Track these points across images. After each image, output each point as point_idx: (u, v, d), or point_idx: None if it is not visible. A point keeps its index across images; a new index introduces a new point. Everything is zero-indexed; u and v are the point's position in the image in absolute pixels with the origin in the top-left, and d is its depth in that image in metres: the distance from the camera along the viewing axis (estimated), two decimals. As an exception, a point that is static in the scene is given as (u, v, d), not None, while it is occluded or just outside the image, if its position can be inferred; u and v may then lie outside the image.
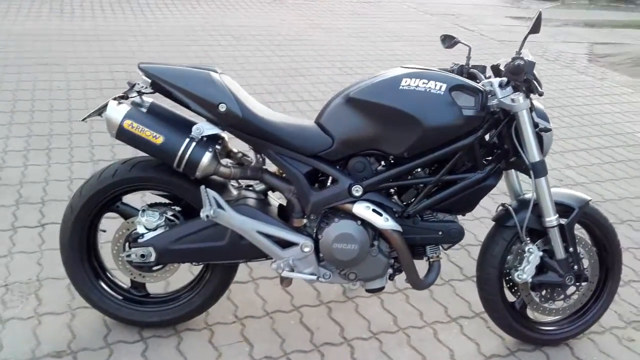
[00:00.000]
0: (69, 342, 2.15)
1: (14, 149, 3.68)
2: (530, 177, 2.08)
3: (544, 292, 2.22)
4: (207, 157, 1.95)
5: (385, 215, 2.03)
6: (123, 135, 1.95)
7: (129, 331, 2.22)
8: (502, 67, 2.11)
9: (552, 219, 2.10)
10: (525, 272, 2.10)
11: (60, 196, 3.15)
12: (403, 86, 1.96)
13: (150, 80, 1.97)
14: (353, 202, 2.03)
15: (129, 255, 2.07)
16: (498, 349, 2.32)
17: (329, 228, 2.03)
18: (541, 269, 2.16)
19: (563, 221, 2.12)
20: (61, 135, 3.95)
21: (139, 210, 2.09)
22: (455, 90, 1.96)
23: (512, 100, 1.98)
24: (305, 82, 5.37)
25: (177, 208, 2.16)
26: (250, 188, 2.19)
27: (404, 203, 2.11)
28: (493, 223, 2.23)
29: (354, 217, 2.04)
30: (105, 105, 1.97)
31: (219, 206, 1.98)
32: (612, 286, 2.32)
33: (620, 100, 5.79)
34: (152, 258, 2.05)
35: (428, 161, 2.03)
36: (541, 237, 2.17)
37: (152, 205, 2.14)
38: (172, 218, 2.11)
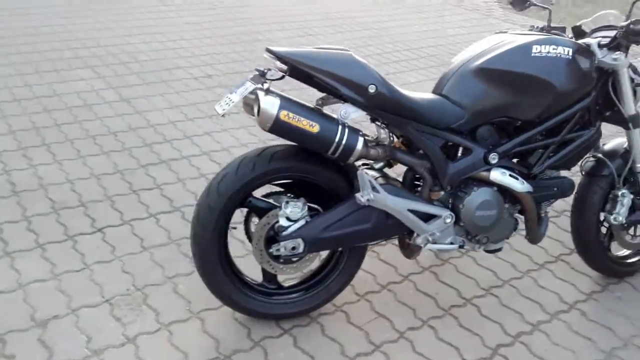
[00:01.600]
0: (216, 347, 2.05)
1: (7, 149, 3.28)
2: (627, 129, 2.29)
3: (631, 230, 2.49)
4: (360, 142, 1.92)
5: (520, 179, 2.14)
6: (279, 126, 1.84)
7: (267, 326, 2.16)
8: (584, 28, 2.27)
9: None
10: (621, 215, 2.33)
11: (98, 196, 2.90)
12: (535, 53, 2.04)
13: (287, 66, 1.87)
14: (489, 170, 2.12)
15: (278, 250, 2.00)
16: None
17: (470, 197, 2.10)
18: (632, 210, 2.41)
19: None
20: (47, 127, 3.57)
21: (274, 204, 2.03)
22: (577, 53, 2.09)
23: (614, 59, 2.14)
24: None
25: (300, 197, 2.11)
26: (369, 167, 2.18)
27: (528, 165, 2.23)
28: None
29: (489, 184, 2.13)
30: (247, 96, 1.86)
31: (374, 189, 1.97)
32: None
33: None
34: (302, 249, 2.00)
35: (555, 123, 2.15)
36: (626, 182, 2.42)
37: (268, 196, 2.08)
38: (314, 207, 2.06)
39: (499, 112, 2.09)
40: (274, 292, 2.18)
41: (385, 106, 1.95)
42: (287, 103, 1.86)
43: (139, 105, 4.03)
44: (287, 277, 2.32)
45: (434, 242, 2.14)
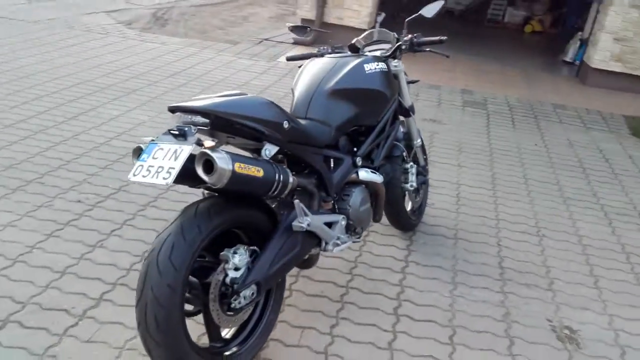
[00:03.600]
0: None
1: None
2: (407, 117, 3.01)
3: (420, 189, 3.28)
4: (291, 175, 2.07)
5: (376, 173, 2.61)
6: (236, 179, 1.83)
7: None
8: (357, 45, 2.78)
9: (418, 141, 3.12)
10: (414, 182, 3.02)
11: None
12: (368, 71, 2.55)
13: (209, 119, 1.86)
14: (357, 172, 2.52)
15: (239, 302, 1.97)
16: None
17: (353, 198, 2.47)
18: (417, 176, 3.11)
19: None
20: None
21: (219, 261, 1.96)
22: (386, 66, 2.70)
23: (395, 65, 2.83)
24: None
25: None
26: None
27: (371, 160, 2.68)
28: None
29: (359, 183, 2.54)
30: (192, 157, 1.82)
31: (306, 214, 2.17)
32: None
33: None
34: (257, 292, 2.03)
35: (384, 123, 2.68)
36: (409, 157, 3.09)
37: (213, 249, 1.99)
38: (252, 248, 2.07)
39: (353, 122, 2.49)
40: (223, 348, 2.13)
41: (295, 138, 2.12)
42: (234, 154, 1.86)
43: None
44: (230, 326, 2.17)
45: (339, 245, 2.40)
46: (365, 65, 2.56)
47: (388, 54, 2.79)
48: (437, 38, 2.71)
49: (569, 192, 4.13)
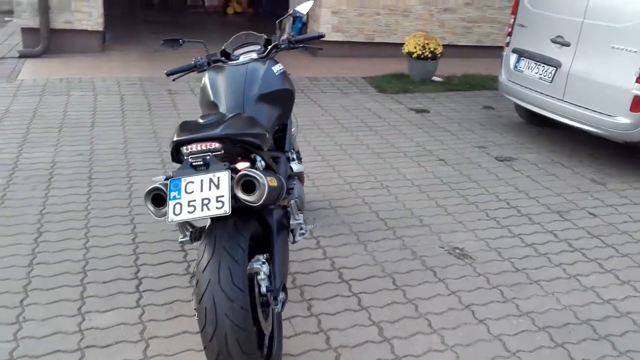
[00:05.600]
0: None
1: None
2: None
3: None
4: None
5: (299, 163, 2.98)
6: (270, 194, 1.93)
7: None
8: (227, 50, 2.91)
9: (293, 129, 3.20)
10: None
11: None
12: (276, 73, 2.72)
13: (220, 144, 1.95)
14: (291, 167, 2.82)
15: (280, 305, 2.11)
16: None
17: (296, 188, 2.68)
18: None
19: None
20: None
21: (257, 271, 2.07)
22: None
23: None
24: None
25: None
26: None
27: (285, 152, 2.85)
28: None
29: (293, 175, 2.82)
30: (234, 179, 1.90)
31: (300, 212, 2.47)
32: None
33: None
34: (285, 293, 2.18)
35: (289, 117, 2.91)
36: None
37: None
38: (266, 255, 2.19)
39: (278, 122, 2.72)
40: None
41: (269, 145, 2.32)
42: (262, 171, 2.01)
43: None
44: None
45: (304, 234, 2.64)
46: (272, 68, 2.71)
47: (264, 55, 2.84)
48: (316, 34, 2.98)
49: (376, 148, 4.93)
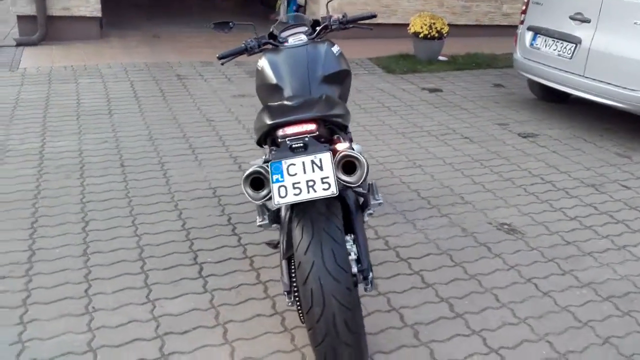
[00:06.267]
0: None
1: None
2: None
3: None
4: None
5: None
6: (367, 174, 1.94)
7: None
8: (275, 33, 2.78)
9: None
10: None
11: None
12: (336, 53, 2.63)
13: (315, 125, 1.98)
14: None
15: (369, 287, 2.12)
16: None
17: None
18: None
19: None
20: None
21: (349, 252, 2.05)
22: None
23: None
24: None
25: None
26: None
27: None
28: None
29: None
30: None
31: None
32: None
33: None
34: (372, 273, 2.16)
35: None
36: None
37: None
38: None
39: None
40: None
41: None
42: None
43: None
44: None
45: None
46: (332, 49, 2.65)
47: (314, 36, 2.79)
48: (368, 13, 2.94)
49: (400, 128, 4.92)
